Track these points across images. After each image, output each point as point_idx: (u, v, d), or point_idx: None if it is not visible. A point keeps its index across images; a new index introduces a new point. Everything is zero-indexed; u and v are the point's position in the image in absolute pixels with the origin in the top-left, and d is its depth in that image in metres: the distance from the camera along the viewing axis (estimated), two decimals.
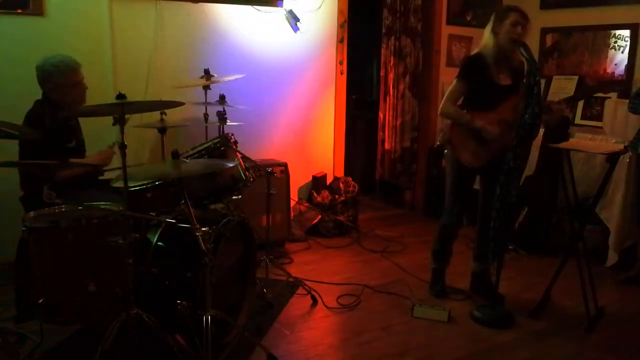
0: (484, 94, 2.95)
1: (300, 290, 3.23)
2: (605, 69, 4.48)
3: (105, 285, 2.18)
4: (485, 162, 2.97)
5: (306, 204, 4.43)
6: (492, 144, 2.93)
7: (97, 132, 3.11)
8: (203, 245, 2.14)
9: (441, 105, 3.02)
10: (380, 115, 5.18)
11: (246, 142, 3.67)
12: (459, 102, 3.03)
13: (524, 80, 2.73)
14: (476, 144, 2.96)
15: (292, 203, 4.26)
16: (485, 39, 2.94)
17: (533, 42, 4.64)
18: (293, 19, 4.16)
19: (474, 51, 3.05)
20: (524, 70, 2.82)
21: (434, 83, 5.01)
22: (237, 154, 2.85)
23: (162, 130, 3.45)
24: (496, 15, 2.90)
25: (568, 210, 3.27)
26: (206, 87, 3.55)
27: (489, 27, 2.92)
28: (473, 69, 2.94)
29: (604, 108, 4.24)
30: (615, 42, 4.40)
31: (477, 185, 3.20)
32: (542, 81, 4.29)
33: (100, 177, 2.96)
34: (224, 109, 3.52)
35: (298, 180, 4.43)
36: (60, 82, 2.71)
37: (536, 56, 3.96)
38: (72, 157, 2.78)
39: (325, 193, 4.45)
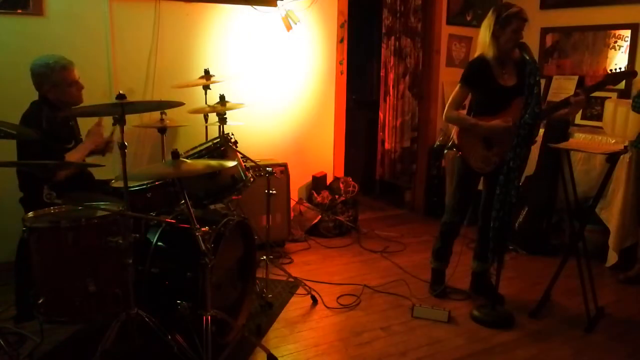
0: (490, 97, 2.92)
1: (300, 290, 3.24)
2: (605, 69, 4.47)
3: (105, 285, 2.18)
4: (495, 166, 2.93)
5: (306, 204, 4.43)
6: (501, 148, 2.90)
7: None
8: (203, 245, 2.14)
9: (445, 111, 3.01)
10: (380, 115, 5.18)
11: (246, 142, 3.66)
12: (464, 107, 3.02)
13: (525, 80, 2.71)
14: (483, 149, 2.95)
15: (292, 203, 4.26)
16: (484, 42, 2.86)
17: (533, 42, 4.64)
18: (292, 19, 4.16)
19: (475, 54, 2.99)
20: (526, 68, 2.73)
21: (434, 83, 5.01)
22: (237, 154, 2.85)
23: (162, 130, 3.45)
24: (497, 18, 2.79)
25: (568, 210, 3.27)
26: (206, 87, 3.55)
27: (487, 30, 2.83)
28: (476, 74, 2.90)
29: (604, 108, 4.24)
30: (615, 42, 4.40)
31: (479, 186, 3.19)
32: (542, 81, 4.28)
33: (99, 178, 2.95)
34: None
35: (298, 180, 4.43)
36: (57, 81, 2.69)
37: (536, 56, 3.95)
38: None
39: (325, 193, 4.45)
